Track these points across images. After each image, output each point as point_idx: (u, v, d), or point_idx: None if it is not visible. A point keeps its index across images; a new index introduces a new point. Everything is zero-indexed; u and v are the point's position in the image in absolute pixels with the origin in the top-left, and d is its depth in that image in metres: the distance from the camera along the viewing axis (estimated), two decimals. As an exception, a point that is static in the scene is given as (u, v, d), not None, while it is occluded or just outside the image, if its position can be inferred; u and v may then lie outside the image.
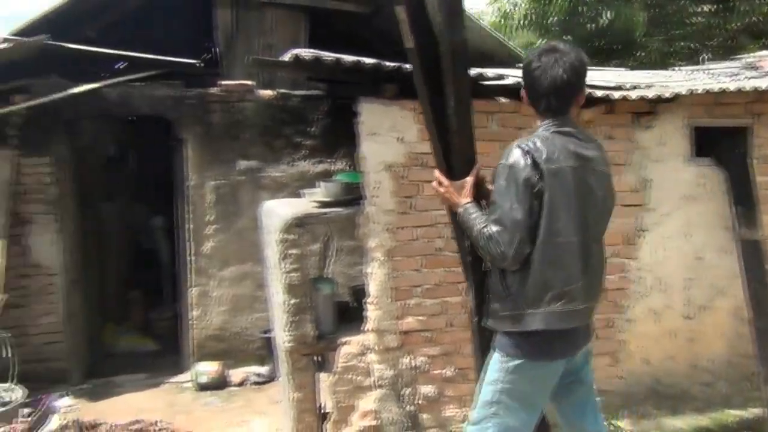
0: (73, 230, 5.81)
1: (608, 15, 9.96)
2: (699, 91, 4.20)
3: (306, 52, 3.80)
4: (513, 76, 4.01)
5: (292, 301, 3.84)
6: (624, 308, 4.43)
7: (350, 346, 3.93)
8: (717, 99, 4.41)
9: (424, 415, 4.02)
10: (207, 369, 5.67)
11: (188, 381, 5.76)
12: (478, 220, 2.39)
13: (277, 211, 4.11)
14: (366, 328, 3.94)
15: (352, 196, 4.01)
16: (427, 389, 4.03)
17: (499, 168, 2.36)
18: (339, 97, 5.41)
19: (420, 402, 4.02)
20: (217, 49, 6.55)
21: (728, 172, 4.55)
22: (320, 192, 4.17)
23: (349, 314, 4.25)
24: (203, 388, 5.59)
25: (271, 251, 4.18)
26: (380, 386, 3.93)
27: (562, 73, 2.39)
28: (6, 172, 5.35)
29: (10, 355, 4.94)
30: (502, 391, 2.42)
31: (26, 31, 5.50)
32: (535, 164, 2.29)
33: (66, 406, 5.12)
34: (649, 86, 4.36)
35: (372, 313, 3.93)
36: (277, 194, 5.75)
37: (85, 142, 6.29)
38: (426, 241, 3.99)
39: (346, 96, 4.27)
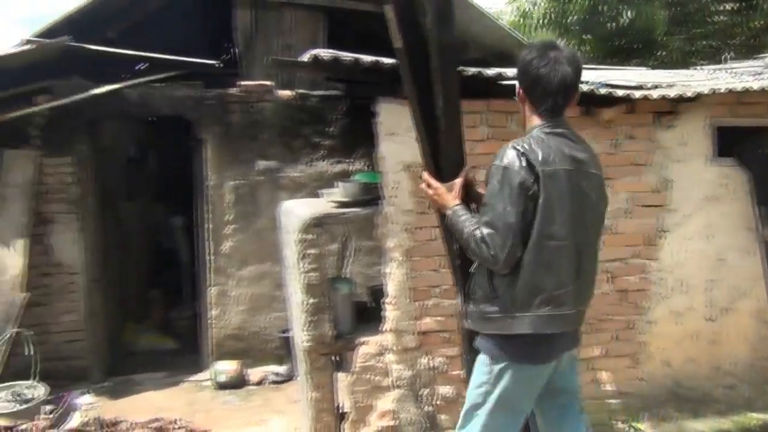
0: (95, 230, 5.87)
1: (629, 14, 9.85)
2: (721, 91, 4.14)
3: (325, 53, 3.81)
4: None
5: (311, 301, 3.85)
6: (645, 310, 4.38)
7: (368, 346, 3.93)
8: (740, 98, 4.35)
9: (443, 416, 4.01)
10: (226, 368, 5.70)
11: (207, 380, 5.80)
12: (467, 223, 2.35)
13: (296, 211, 4.12)
14: (384, 329, 3.94)
15: (371, 197, 4.01)
16: (445, 390, 4.02)
17: (493, 169, 2.30)
18: (357, 97, 5.42)
19: (438, 402, 4.01)
20: (237, 50, 6.58)
21: (751, 172, 4.48)
22: (339, 192, 4.18)
23: (367, 314, 4.24)
24: (222, 386, 5.63)
25: (290, 251, 4.19)
26: (398, 386, 3.92)
27: (571, 72, 2.37)
28: (29, 172, 5.42)
29: (32, 352, 5.00)
30: (487, 394, 2.40)
31: (48, 33, 5.56)
32: (530, 166, 2.25)
33: (87, 404, 5.18)
34: (670, 85, 4.31)
35: (390, 313, 3.92)
36: (296, 194, 5.77)
37: (106, 143, 6.35)
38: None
39: (365, 96, 4.27)
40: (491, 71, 3.87)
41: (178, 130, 6.76)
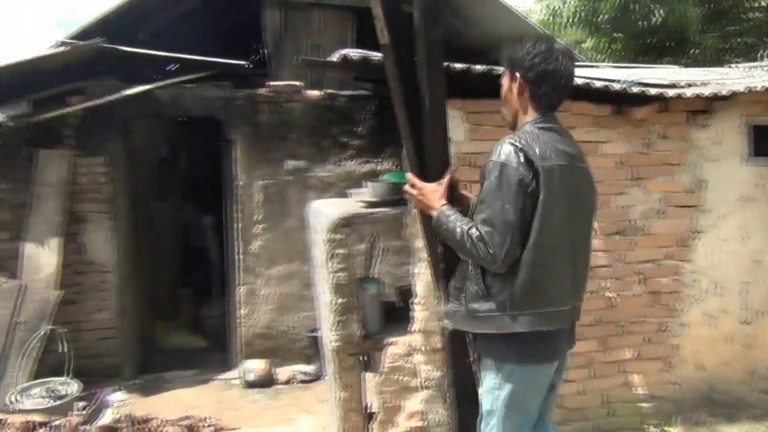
0: (126, 229, 5.95)
1: (661, 12, 9.71)
2: (758, 89, 4.07)
3: (354, 52, 3.81)
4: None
5: (339, 301, 3.84)
6: (677, 312, 4.31)
7: (397, 346, 3.91)
8: (777, 96, 4.26)
9: (471, 418, 3.99)
10: (254, 367, 5.73)
11: (236, 378, 5.84)
12: (459, 222, 2.29)
13: (324, 211, 4.12)
14: (413, 329, 3.92)
15: (399, 196, 3.97)
16: (474, 391, 3.99)
17: (490, 165, 2.24)
18: (386, 97, 5.40)
19: (467, 404, 3.98)
20: (266, 50, 6.61)
21: (789, 171, 4.39)
22: (367, 192, 4.17)
23: (395, 314, 4.22)
24: (251, 385, 5.66)
25: (318, 251, 4.20)
26: (427, 387, 3.90)
27: (573, 69, 2.37)
28: (63, 172, 5.51)
29: (66, 349, 5.09)
30: (498, 398, 2.36)
31: (82, 35, 5.66)
32: (528, 162, 2.19)
33: (119, 401, 5.25)
34: (704, 84, 4.23)
35: (419, 313, 3.90)
36: (324, 194, 5.79)
37: (138, 143, 6.44)
38: (473, 242, 3.94)
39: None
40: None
41: (208, 131, 6.83)
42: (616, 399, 4.24)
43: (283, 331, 6.03)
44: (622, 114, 4.14)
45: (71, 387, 5.00)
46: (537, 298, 2.27)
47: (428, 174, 2.49)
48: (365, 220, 4.05)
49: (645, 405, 4.26)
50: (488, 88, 3.90)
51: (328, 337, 4.05)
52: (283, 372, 5.84)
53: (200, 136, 7.84)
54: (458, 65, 3.69)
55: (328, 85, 6.26)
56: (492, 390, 2.38)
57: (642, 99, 4.01)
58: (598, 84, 3.87)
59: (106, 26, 5.79)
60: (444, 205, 2.40)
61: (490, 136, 3.90)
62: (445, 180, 2.47)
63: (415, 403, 3.90)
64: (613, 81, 4.01)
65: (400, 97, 2.47)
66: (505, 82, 2.44)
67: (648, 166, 4.19)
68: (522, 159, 2.19)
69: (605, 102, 4.10)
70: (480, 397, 2.47)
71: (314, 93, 6.07)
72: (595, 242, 4.10)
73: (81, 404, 4.92)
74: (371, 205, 4.05)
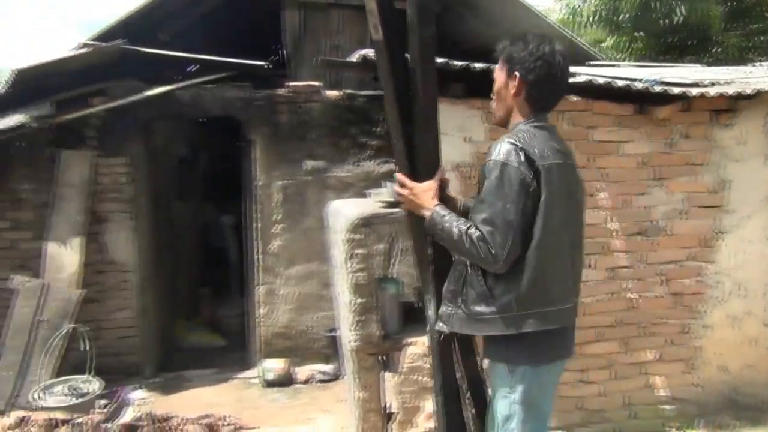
0: (147, 228, 6.00)
1: (682, 10, 9.60)
2: (783, 87, 4.01)
3: (372, 53, 3.80)
4: (585, 74, 3.91)
5: (359, 301, 3.84)
6: (700, 313, 4.26)
7: (416, 346, 3.90)
8: (802, 95, 4.20)
9: (491, 419, 3.97)
10: (273, 366, 5.75)
11: (255, 377, 5.86)
12: (456, 222, 2.25)
13: (343, 211, 4.12)
14: (432, 329, 3.91)
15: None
16: (493, 392, 3.97)
17: (490, 165, 2.19)
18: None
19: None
20: (285, 51, 6.64)
21: (815, 172, 4.32)
22: (386, 192, 4.15)
23: (414, 315, 4.21)
24: (270, 384, 5.68)
25: (337, 251, 4.20)
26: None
27: (569, 74, 2.36)
28: (85, 172, 5.57)
29: (88, 348, 5.14)
30: (515, 402, 2.32)
31: (104, 37, 5.71)
32: (529, 161, 2.16)
33: (139, 399, 5.28)
34: (728, 83, 4.18)
35: (438, 313, 3.89)
36: (343, 194, 5.79)
37: (159, 143, 6.48)
38: (493, 242, 3.93)
39: (413, 95, 4.26)
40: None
41: (227, 131, 6.87)
42: (637, 401, 4.20)
43: (301, 330, 6.05)
44: (645, 113, 4.10)
45: (93, 385, 5.05)
46: (542, 298, 2.24)
47: (418, 174, 2.43)
48: (384, 221, 4.04)
49: (667, 407, 4.22)
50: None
51: (348, 337, 4.05)
52: (301, 371, 5.85)
53: (220, 137, 7.90)
54: (478, 65, 3.68)
55: (347, 86, 6.27)
56: (507, 395, 2.34)
57: (664, 98, 3.97)
58: (620, 83, 3.84)
59: (128, 28, 5.85)
60: (437, 205, 2.35)
61: (510, 136, 3.89)
62: (437, 180, 2.43)
63: (432, 403, 3.88)
64: (635, 80, 3.97)
65: (392, 94, 2.41)
66: (500, 77, 2.38)
67: (670, 166, 4.15)
68: (522, 158, 2.16)
69: (627, 101, 4.07)
70: (494, 404, 2.42)
71: (333, 93, 6.08)
72: (617, 243, 4.09)
73: (102, 402, 4.96)
74: (390, 205, 4.04)
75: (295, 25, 6.57)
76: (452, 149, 3.85)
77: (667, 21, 9.91)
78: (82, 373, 5.16)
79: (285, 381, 5.72)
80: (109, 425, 4.40)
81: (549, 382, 2.40)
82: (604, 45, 11.01)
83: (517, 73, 2.29)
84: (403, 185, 2.45)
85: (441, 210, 2.33)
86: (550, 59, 2.28)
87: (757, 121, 4.26)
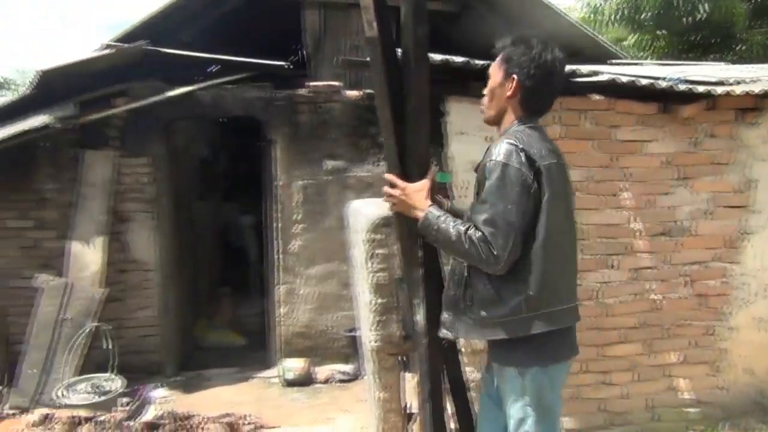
0: (168, 228, 6.04)
1: (706, 8, 9.48)
2: (811, 86, 3.93)
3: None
4: (608, 72, 3.87)
5: (379, 301, 3.83)
6: (726, 315, 4.19)
7: (437, 347, 3.89)
8: (830, 93, 4.11)
9: (512, 420, 3.94)
10: (293, 365, 5.77)
11: (275, 376, 5.88)
12: (452, 223, 2.23)
13: (364, 211, 4.11)
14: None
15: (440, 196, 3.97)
16: (515, 393, 3.94)
17: (490, 165, 2.19)
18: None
19: (507, 406, 3.93)
20: (305, 51, 6.65)
21: (844, 171, 4.24)
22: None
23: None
24: (290, 384, 5.69)
25: (358, 251, 4.19)
26: (468, 389, 3.87)
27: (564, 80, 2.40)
28: (108, 172, 5.62)
29: (110, 346, 5.19)
30: (528, 404, 2.32)
31: (127, 38, 5.75)
32: (530, 162, 2.17)
33: (161, 397, 5.33)
34: (754, 81, 4.10)
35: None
36: (363, 194, 5.78)
37: (180, 143, 6.53)
38: (515, 242, 3.90)
39: (434, 95, 4.24)
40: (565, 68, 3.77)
41: (247, 131, 6.89)
42: (661, 404, 4.15)
43: (321, 330, 6.06)
44: (668, 112, 4.05)
45: (115, 383, 5.10)
46: (550, 298, 2.25)
47: (409, 175, 2.40)
48: (405, 220, 4.03)
49: (691, 410, 4.16)
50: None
51: (368, 337, 4.04)
52: (321, 371, 5.86)
53: (240, 137, 7.94)
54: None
55: (367, 85, 6.25)
56: (519, 398, 2.33)
57: (689, 97, 3.91)
58: (644, 82, 3.78)
59: (150, 29, 5.89)
60: (431, 205, 2.34)
61: (532, 136, 3.86)
62: (428, 180, 2.41)
63: (455, 404, 3.86)
64: (658, 78, 3.92)
65: (385, 93, 2.38)
66: (497, 76, 2.37)
67: (695, 166, 4.09)
68: (523, 159, 2.16)
69: (651, 100, 4.02)
70: (506, 409, 2.41)
71: (353, 93, 6.07)
72: (640, 243, 4.04)
73: (124, 400, 5.00)
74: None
75: (315, 25, 6.58)
76: (474, 149, 3.80)
77: (690, 19, 9.80)
78: (105, 371, 5.21)
79: (305, 380, 5.73)
80: (132, 423, 4.44)
81: (558, 382, 2.40)
82: (625, 43, 10.91)
83: (515, 76, 2.30)
84: (393, 185, 2.41)
85: (436, 210, 2.31)
86: (552, 67, 2.30)
87: (784, 119, 4.19)
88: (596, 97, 3.94)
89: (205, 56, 5.82)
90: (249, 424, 4.69)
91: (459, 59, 3.71)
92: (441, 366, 2.57)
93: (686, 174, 4.08)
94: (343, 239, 5.20)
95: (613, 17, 10.45)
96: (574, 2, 11.81)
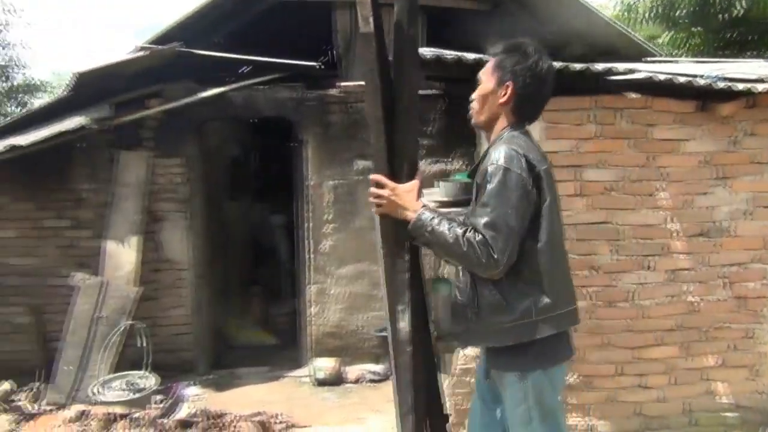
0: (201, 228, 6.10)
1: (743, 4, 9.28)
2: None
3: (427, 51, 3.78)
4: (644, 70, 3.81)
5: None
6: (766, 318, 4.10)
7: (469, 348, 3.87)
8: None
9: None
10: (324, 365, 5.78)
11: (306, 376, 5.90)
12: (447, 225, 2.20)
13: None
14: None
15: (470, 196, 3.94)
16: (548, 396, 3.90)
17: (492, 169, 2.17)
18: (456, 96, 5.36)
19: (541, 408, 3.89)
20: (336, 51, 6.66)
21: None
22: (438, 192, 4.14)
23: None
24: (320, 383, 5.71)
25: (390, 251, 4.18)
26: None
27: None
28: (142, 172, 5.69)
29: (145, 344, 5.26)
30: (530, 410, 2.30)
31: (160, 40, 5.81)
32: (530, 167, 2.18)
33: (193, 395, 5.38)
34: (796, 77, 4.00)
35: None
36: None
37: (212, 144, 6.59)
38: (549, 243, 3.86)
39: (464, 95, 4.21)
40: (600, 66, 3.73)
41: (278, 131, 6.92)
42: (698, 408, 4.07)
43: (352, 330, 6.06)
44: (706, 110, 3.97)
45: (149, 381, 5.16)
46: (557, 301, 2.26)
47: (398, 175, 2.34)
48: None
49: (730, 415, 4.08)
50: (564, 85, 3.84)
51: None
52: (352, 371, 5.86)
53: (271, 137, 7.98)
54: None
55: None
56: (522, 402, 2.32)
57: (727, 95, 3.83)
58: (682, 79, 3.71)
59: (183, 31, 5.94)
60: (424, 206, 2.30)
61: (567, 134, 3.83)
62: (417, 181, 2.38)
63: (487, 406, 3.83)
64: (696, 76, 3.85)
65: (377, 91, 2.33)
66: (489, 83, 2.36)
67: (734, 165, 4.00)
68: (524, 164, 2.17)
69: (688, 98, 3.94)
70: (507, 414, 2.39)
71: (384, 93, 6.06)
72: (677, 244, 3.97)
73: (158, 397, 5.07)
74: (443, 204, 4.01)
75: (346, 26, 6.58)
76: (506, 148, 3.79)
77: (726, 15, 9.60)
78: (139, 368, 5.28)
79: (335, 380, 5.73)
80: (165, 421, 4.48)
81: (559, 383, 2.42)
82: (659, 41, 10.74)
83: (510, 84, 2.30)
84: (381, 185, 2.35)
85: (428, 212, 2.28)
86: (545, 76, 2.31)
87: (827, 117, 4.07)
88: (632, 95, 3.88)
89: (237, 57, 5.86)
90: (280, 422, 4.71)
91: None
92: (422, 376, 2.49)
93: (725, 173, 4.00)
94: (373, 239, 5.20)
95: (647, 15, 10.30)
96: (607, 0, 11.68)
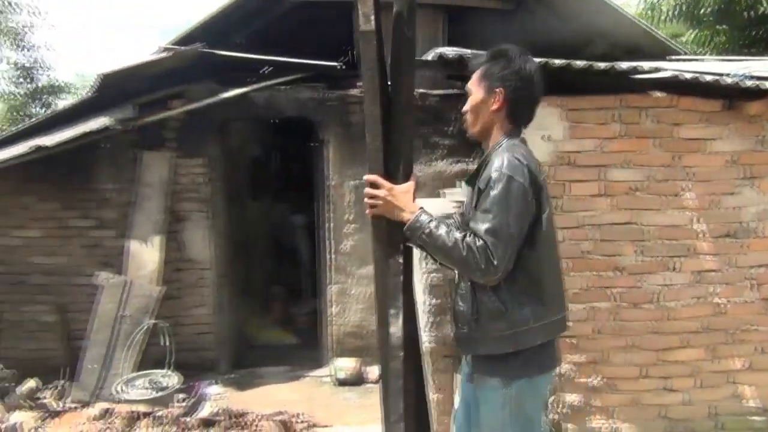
0: (223, 227, 6.12)
1: (770, 0, 9.13)
2: None
3: (450, 50, 3.77)
4: (670, 69, 3.76)
5: (433, 302, 3.81)
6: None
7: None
8: None
9: (569, 425, 3.87)
10: (345, 365, 5.78)
11: (327, 376, 5.91)
12: (446, 229, 2.18)
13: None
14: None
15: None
16: (571, 398, 3.87)
17: (496, 176, 2.16)
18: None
19: (564, 411, 3.86)
20: (357, 51, 6.66)
21: None
22: (460, 192, 4.12)
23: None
24: (341, 383, 5.71)
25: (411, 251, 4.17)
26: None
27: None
28: (165, 172, 5.74)
29: (168, 343, 5.30)
30: (509, 415, 2.28)
31: (183, 41, 5.86)
32: (532, 177, 2.18)
33: (215, 394, 5.41)
34: (826, 75, 3.93)
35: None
36: (416, 194, 5.74)
37: (234, 144, 6.62)
38: (573, 243, 3.83)
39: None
40: (625, 65, 3.69)
41: (299, 131, 6.93)
42: (725, 411, 4.01)
43: (373, 330, 6.03)
44: (733, 109, 3.91)
45: (172, 379, 5.20)
46: (552, 308, 2.30)
47: (394, 177, 2.31)
48: (459, 221, 3.99)
49: (757, 419, 4.01)
50: (587, 83, 3.81)
51: (421, 339, 4.02)
52: (372, 371, 5.85)
53: (291, 137, 8.00)
54: (557, 61, 3.59)
55: (418, 85, 6.22)
56: (500, 408, 2.29)
57: (755, 93, 3.77)
58: (708, 78, 3.66)
59: (205, 31, 5.99)
60: (421, 208, 2.28)
61: (591, 134, 3.79)
62: (413, 183, 2.36)
63: (509, 407, 3.81)
64: (722, 75, 3.79)
65: (377, 90, 2.30)
66: (478, 93, 2.36)
67: (762, 165, 3.93)
68: (527, 173, 2.17)
69: (714, 97, 3.89)
70: (481, 417, 2.37)
71: (405, 93, 6.04)
72: (703, 245, 3.91)
73: (181, 396, 5.10)
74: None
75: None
76: (530, 148, 3.76)
77: (752, 13, 9.45)
78: (162, 367, 5.32)
79: (356, 380, 5.73)
80: (188, 419, 4.51)
81: (543, 392, 2.41)
82: (683, 39, 10.60)
83: (500, 90, 2.29)
84: (377, 186, 2.31)
85: (426, 214, 2.26)
86: (533, 78, 2.31)
87: None
88: (658, 94, 3.83)
89: (259, 57, 5.88)
90: (302, 422, 4.72)
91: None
92: (413, 383, 2.45)
93: (752, 173, 3.94)
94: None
95: (670, 13, 10.17)
96: (629, -1, 11.57)
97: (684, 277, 3.92)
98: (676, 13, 10.06)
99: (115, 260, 5.67)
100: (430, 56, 3.89)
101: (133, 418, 4.41)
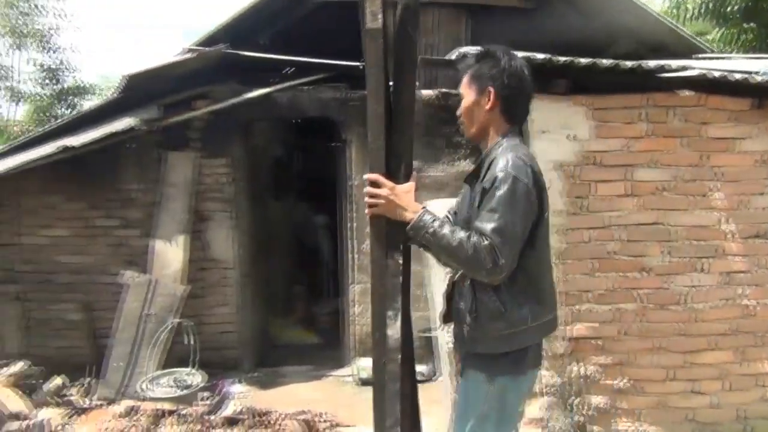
0: (246, 227, 6.16)
1: (798, -3, 9.00)
2: None
3: (473, 49, 3.74)
4: (698, 67, 3.71)
5: (457, 302, 3.79)
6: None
7: (515, 350, 3.82)
8: None
9: (594, 427, 3.83)
10: (368, 364, 5.75)
11: (349, 375, 5.91)
12: (451, 228, 2.17)
13: (439, 211, 4.07)
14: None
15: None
16: (597, 400, 3.83)
17: (501, 176, 2.14)
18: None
19: (590, 413, 3.83)
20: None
21: None
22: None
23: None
24: (364, 383, 5.69)
25: (435, 251, 4.15)
26: (547, 394, 3.79)
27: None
28: (189, 172, 5.78)
29: (192, 342, 5.33)
30: (489, 410, 2.28)
31: (207, 42, 5.90)
32: (535, 178, 2.18)
33: (239, 393, 5.43)
34: None
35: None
36: (438, 194, 5.73)
37: (257, 144, 6.65)
38: (598, 244, 3.80)
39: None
40: (652, 63, 3.65)
41: (321, 131, 6.94)
42: (754, 414, 3.95)
43: (395, 330, 6.03)
44: (763, 108, 3.86)
45: (196, 378, 5.23)
46: (546, 308, 2.32)
47: (395, 176, 2.30)
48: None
49: (787, 423, 3.95)
50: (613, 83, 3.78)
51: (444, 339, 4.00)
52: (395, 371, 5.83)
53: (314, 137, 8.02)
54: (583, 60, 3.56)
55: (441, 84, 6.21)
56: (481, 402, 2.31)
57: (784, 92, 3.72)
58: (737, 76, 3.61)
59: (229, 32, 6.01)
60: (424, 207, 2.27)
61: (617, 133, 3.76)
62: (413, 182, 2.35)
63: (534, 409, 3.79)
64: (751, 73, 3.73)
65: (381, 88, 2.28)
66: (470, 95, 2.34)
67: (792, 164, 3.87)
68: (530, 173, 2.18)
69: (743, 95, 3.83)
70: (462, 408, 2.40)
71: (428, 92, 6.03)
72: (732, 246, 3.86)
73: (205, 394, 5.13)
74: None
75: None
76: (555, 147, 3.74)
77: (780, 10, 9.32)
78: (186, 365, 5.35)
79: (379, 380, 5.71)
80: (212, 417, 4.54)
81: (525, 390, 2.41)
82: (709, 37, 10.47)
83: (491, 89, 2.28)
84: (378, 185, 2.29)
85: (429, 213, 2.25)
86: (522, 73, 2.30)
87: None
88: (685, 92, 3.78)
89: (282, 58, 5.89)
90: (325, 422, 4.72)
91: (541, 56, 3.63)
92: (409, 387, 2.46)
93: (783, 174, 3.87)
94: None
95: (697, 11, 10.05)
96: (655, -4, 11.43)
97: (712, 279, 3.88)
98: (701, 11, 9.93)
99: (140, 259, 5.72)
100: (453, 55, 3.86)
101: (158, 416, 4.45)
